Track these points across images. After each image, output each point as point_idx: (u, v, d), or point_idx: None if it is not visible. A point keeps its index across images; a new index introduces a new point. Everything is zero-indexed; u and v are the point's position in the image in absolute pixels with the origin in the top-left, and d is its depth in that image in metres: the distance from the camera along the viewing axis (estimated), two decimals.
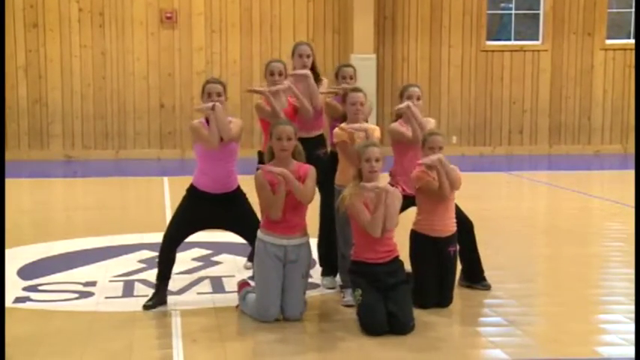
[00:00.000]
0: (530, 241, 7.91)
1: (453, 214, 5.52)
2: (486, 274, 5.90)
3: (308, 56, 6.18)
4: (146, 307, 5.36)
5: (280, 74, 5.95)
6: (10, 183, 12.13)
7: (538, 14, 15.94)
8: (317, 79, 6.25)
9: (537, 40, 15.98)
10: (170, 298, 5.52)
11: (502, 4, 16.21)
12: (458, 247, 5.55)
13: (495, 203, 10.26)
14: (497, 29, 16.28)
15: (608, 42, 15.92)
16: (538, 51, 15.91)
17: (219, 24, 15.08)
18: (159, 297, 5.43)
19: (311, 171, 5.11)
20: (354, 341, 4.78)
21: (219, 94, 5.32)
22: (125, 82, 15.07)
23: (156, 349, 4.69)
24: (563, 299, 5.73)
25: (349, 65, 6.20)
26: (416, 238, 5.48)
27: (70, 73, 14.91)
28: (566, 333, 4.95)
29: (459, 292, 5.66)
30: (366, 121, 5.77)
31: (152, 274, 5.84)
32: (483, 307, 5.56)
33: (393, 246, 5.09)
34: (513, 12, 16.08)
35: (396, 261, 5.09)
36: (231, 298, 5.57)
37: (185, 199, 5.48)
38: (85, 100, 14.96)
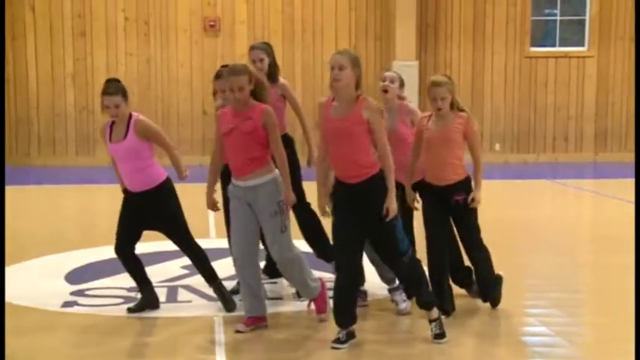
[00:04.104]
0: (575, 250, 7.80)
1: (446, 165, 5.19)
2: (531, 282, 5.84)
3: (261, 60, 5.94)
4: (130, 310, 5.46)
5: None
6: (57, 189, 12.35)
7: (584, 20, 15.73)
8: (274, 79, 5.97)
9: (583, 46, 15.76)
10: (213, 304, 5.56)
11: (547, 11, 16.02)
12: (471, 198, 5.19)
13: (539, 211, 10.13)
14: (542, 35, 16.10)
15: None
16: (584, 57, 15.70)
17: (261, 31, 15.17)
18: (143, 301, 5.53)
19: (267, 117, 4.92)
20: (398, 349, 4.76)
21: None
22: (169, 89, 15.25)
23: (199, 353, 4.72)
24: (609, 309, 5.64)
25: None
26: (417, 185, 5.36)
27: None
28: (612, 344, 4.87)
29: (501, 301, 5.59)
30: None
31: (195, 280, 5.91)
32: (528, 317, 5.50)
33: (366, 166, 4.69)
34: (558, 18, 15.89)
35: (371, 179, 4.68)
36: (269, 304, 5.53)
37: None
38: (130, 106, 15.12)
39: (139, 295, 5.64)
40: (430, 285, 5.02)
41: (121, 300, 5.82)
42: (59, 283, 6.29)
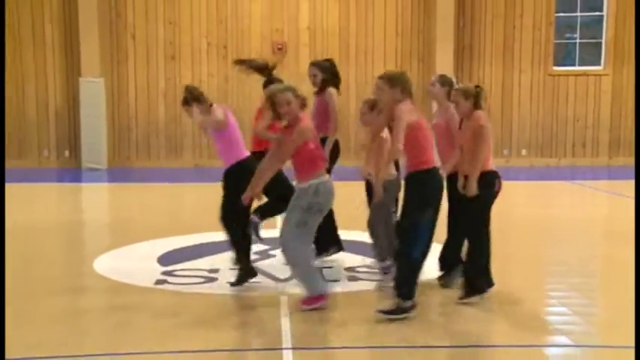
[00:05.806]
0: (592, 243, 7.60)
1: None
2: (552, 269, 5.71)
3: (314, 76, 6.00)
4: (232, 284, 5.52)
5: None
6: (151, 187, 12.60)
7: (600, 43, 15.35)
8: (322, 90, 6.03)
9: (599, 65, 15.38)
10: (280, 285, 5.57)
11: (567, 35, 15.68)
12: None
13: (561, 209, 9.89)
14: (563, 56, 15.76)
15: None
16: (600, 75, 15.32)
17: (321, 54, 15.16)
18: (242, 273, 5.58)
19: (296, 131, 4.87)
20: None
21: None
22: (243, 102, 15.38)
23: (266, 328, 4.75)
24: (621, 293, 5.47)
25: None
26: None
27: None
28: (623, 323, 4.73)
29: (524, 286, 5.48)
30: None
31: (264, 264, 5.94)
32: (550, 299, 5.38)
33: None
34: (578, 41, 15.53)
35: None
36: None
37: None
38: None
39: (218, 275, 5.67)
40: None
41: (202, 280, 5.88)
42: (152, 264, 6.40)
